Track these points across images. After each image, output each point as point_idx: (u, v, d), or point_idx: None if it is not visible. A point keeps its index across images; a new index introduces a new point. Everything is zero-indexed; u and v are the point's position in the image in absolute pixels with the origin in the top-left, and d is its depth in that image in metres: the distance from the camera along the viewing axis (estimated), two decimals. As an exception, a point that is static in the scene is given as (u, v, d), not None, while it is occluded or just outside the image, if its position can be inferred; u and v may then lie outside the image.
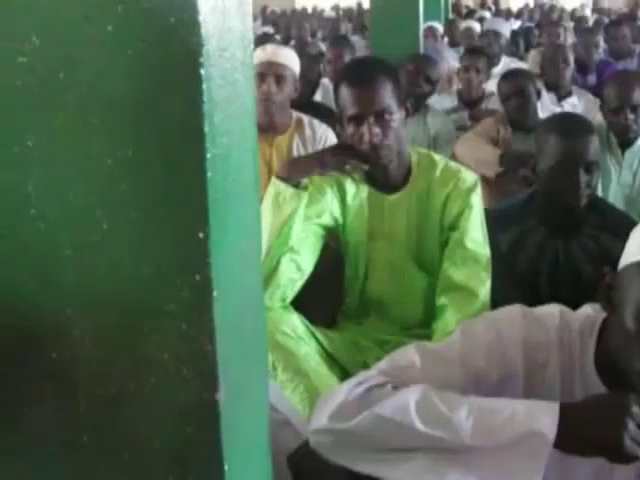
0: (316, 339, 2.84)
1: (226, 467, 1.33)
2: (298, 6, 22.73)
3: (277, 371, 2.62)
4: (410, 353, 1.75)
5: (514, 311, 1.79)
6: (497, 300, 2.71)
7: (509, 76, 4.73)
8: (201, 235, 1.24)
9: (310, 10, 20.49)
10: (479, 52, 5.96)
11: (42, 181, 1.29)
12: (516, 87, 4.52)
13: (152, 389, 1.32)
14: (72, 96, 1.26)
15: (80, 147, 1.27)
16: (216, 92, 1.26)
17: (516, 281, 3.02)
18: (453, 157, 4.21)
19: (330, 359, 2.83)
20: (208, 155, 1.23)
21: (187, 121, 1.23)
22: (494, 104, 5.36)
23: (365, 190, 2.95)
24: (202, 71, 1.22)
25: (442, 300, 2.84)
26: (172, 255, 1.26)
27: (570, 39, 8.43)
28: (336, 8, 20.14)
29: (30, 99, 1.28)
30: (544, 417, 1.53)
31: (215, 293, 1.26)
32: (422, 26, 6.30)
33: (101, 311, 1.31)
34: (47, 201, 1.30)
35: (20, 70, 1.27)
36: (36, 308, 1.34)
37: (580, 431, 1.53)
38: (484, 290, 2.81)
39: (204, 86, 1.22)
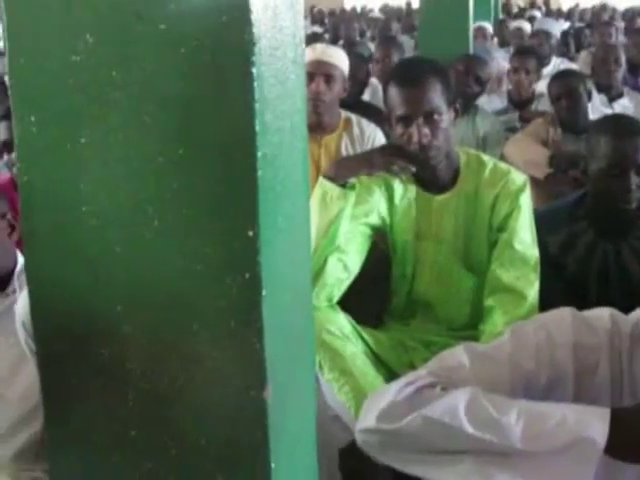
0: (362, 339, 2.84)
1: (273, 465, 1.34)
2: (347, 6, 22.69)
3: (323, 370, 2.62)
4: (459, 354, 1.74)
5: (564, 313, 1.77)
6: (545, 302, 2.69)
7: (559, 77, 4.68)
8: (251, 233, 1.24)
9: (359, 10, 20.45)
10: (528, 52, 5.90)
11: (94, 178, 1.31)
12: (566, 88, 4.48)
13: (200, 386, 1.33)
14: (124, 94, 1.27)
15: (132, 145, 1.28)
16: (267, 91, 1.27)
17: (565, 283, 2.99)
18: (502, 158, 4.18)
19: (376, 359, 2.82)
20: (259, 154, 1.24)
21: (238, 120, 1.24)
22: (544, 105, 5.31)
23: (413, 190, 2.94)
24: (254, 70, 1.22)
25: (490, 301, 2.82)
26: (222, 253, 1.27)
27: (621, 39, 8.34)
28: (385, 8, 20.08)
29: (83, 97, 1.30)
30: (595, 423, 1.51)
31: (264, 291, 1.27)
32: (472, 26, 6.25)
33: (151, 308, 1.32)
34: (99, 198, 1.31)
35: (74, 68, 1.29)
36: (87, 304, 1.35)
37: (631, 437, 1.51)
38: (532, 292, 2.79)
39: (255, 85, 1.23)
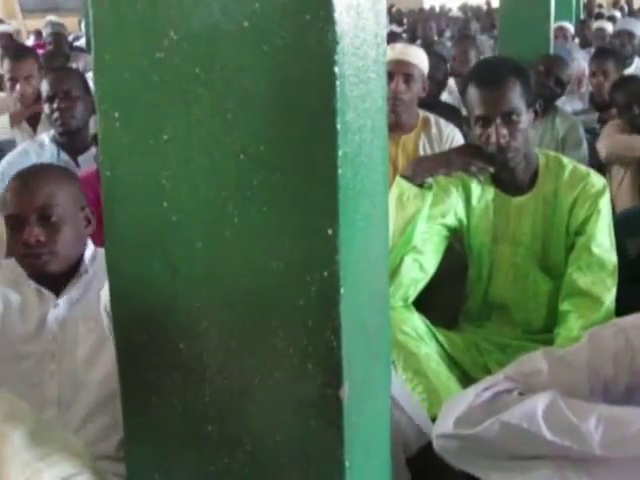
0: (437, 340, 2.83)
1: (347, 464, 1.33)
2: (426, 5, 22.61)
3: (397, 370, 2.61)
4: (537, 358, 1.72)
5: (643, 318, 1.75)
6: (623, 306, 2.65)
7: (621, 85, 4.63)
8: (330, 232, 1.24)
9: (438, 9, 20.38)
10: (606, 54, 5.82)
11: (176, 174, 1.32)
12: (634, 95, 4.41)
13: (277, 383, 1.33)
14: (207, 91, 1.28)
15: (213, 141, 1.29)
16: (349, 89, 1.26)
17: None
18: (599, 153, 4.19)
19: (450, 361, 2.81)
20: (340, 152, 1.23)
21: (320, 118, 1.24)
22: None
23: (491, 192, 2.92)
24: (336, 68, 1.22)
25: (566, 305, 2.80)
26: (301, 251, 1.27)
27: None
28: (464, 7, 19.98)
29: (166, 93, 1.31)
30: None
31: (342, 290, 1.26)
32: (553, 26, 6.18)
33: (229, 304, 1.33)
34: (180, 194, 1.32)
35: (158, 65, 1.30)
36: (166, 299, 1.36)
37: None
38: (609, 296, 2.76)
39: (337, 83, 1.23)
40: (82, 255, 2.31)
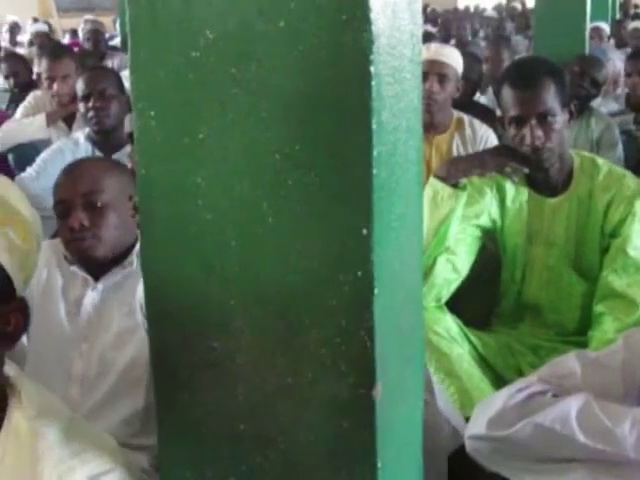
0: (469, 341, 2.82)
1: (379, 464, 1.33)
2: (460, 5, 22.53)
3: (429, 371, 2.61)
4: (571, 361, 1.71)
5: (680, 321, 1.73)
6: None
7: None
8: (365, 232, 1.24)
9: (472, 9, 20.30)
10: (641, 55, 5.78)
11: (211, 173, 1.32)
12: None
13: (309, 382, 1.33)
14: (243, 90, 1.28)
15: (249, 141, 1.29)
16: (384, 89, 1.26)
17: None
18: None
19: (482, 362, 2.81)
20: (375, 152, 1.23)
21: (355, 117, 1.23)
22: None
23: (525, 193, 2.91)
24: (372, 68, 1.22)
25: (600, 308, 2.78)
26: (335, 251, 1.26)
27: None
28: (499, 7, 19.89)
29: (202, 93, 1.31)
30: None
31: (376, 290, 1.26)
32: (588, 26, 6.13)
33: (263, 303, 1.33)
34: (215, 193, 1.32)
35: (193, 64, 1.30)
36: (201, 297, 1.37)
37: None
38: (645, 299, 2.74)
39: (373, 83, 1.22)
40: (132, 247, 2.34)
